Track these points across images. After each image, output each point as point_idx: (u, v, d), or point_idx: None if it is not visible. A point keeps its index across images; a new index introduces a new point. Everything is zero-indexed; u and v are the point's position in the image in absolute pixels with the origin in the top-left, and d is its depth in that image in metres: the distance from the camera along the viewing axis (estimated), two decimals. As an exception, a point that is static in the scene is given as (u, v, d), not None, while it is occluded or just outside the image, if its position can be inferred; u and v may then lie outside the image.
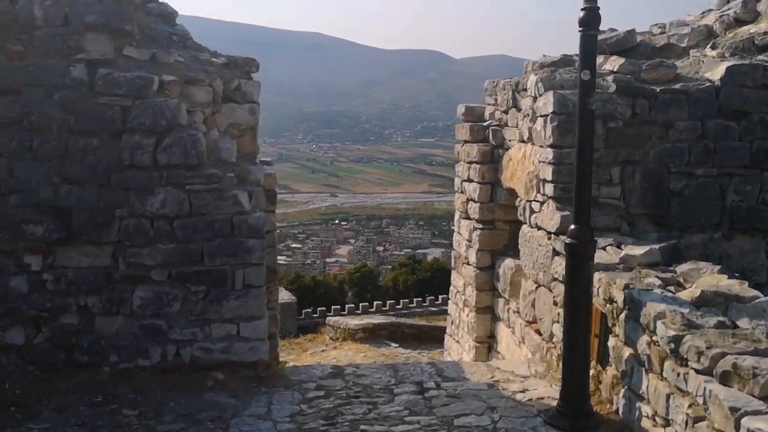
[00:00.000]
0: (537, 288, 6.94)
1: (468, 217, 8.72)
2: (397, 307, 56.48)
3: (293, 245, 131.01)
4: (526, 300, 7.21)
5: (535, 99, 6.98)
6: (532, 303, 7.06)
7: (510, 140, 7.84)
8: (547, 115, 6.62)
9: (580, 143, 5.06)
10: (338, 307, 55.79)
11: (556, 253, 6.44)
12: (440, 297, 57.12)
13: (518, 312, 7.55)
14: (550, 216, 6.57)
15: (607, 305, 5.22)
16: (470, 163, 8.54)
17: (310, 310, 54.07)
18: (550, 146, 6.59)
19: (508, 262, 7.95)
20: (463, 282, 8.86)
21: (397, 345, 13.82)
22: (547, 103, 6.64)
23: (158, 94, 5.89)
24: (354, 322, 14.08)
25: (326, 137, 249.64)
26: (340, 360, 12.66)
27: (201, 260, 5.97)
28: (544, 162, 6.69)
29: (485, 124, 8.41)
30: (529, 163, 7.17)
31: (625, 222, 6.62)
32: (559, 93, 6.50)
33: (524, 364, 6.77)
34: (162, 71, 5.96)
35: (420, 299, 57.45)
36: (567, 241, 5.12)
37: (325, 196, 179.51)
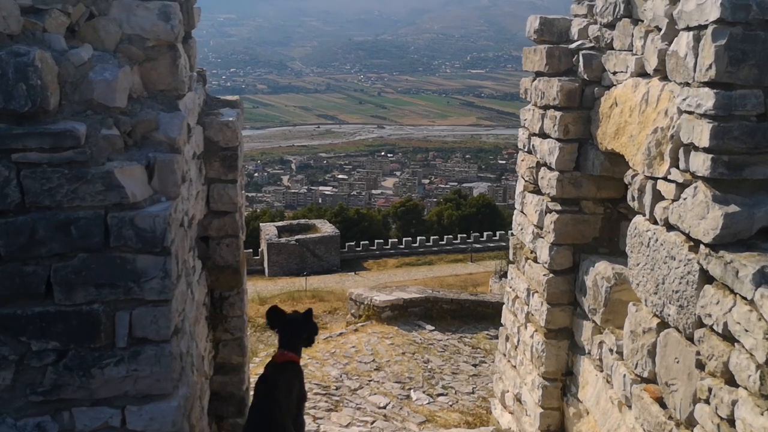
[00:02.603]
0: (662, 329, 3.93)
1: (538, 191, 5.64)
2: (440, 243, 54.48)
3: (339, 176, 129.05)
4: (639, 342, 4.21)
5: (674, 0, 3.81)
6: (651, 351, 4.06)
7: (616, 73, 4.69)
8: (705, 27, 3.47)
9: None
10: (381, 241, 54.22)
11: (709, 279, 3.42)
12: (485, 234, 55.14)
13: (620, 354, 4.57)
14: (701, 211, 3.50)
15: None
16: (545, 108, 5.41)
17: (353, 243, 52.42)
18: (709, 84, 3.45)
19: (603, 267, 4.91)
20: (526, 286, 5.85)
21: (432, 327, 10.96)
22: (704, 4, 3.46)
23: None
24: (381, 297, 11.23)
25: (374, 67, 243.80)
26: (361, 349, 9.87)
27: (48, 294, 3.11)
28: (692, 113, 3.57)
29: (573, 46, 5.22)
30: (655, 113, 4.04)
31: None
32: (736, -16, 3.32)
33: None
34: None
35: (464, 236, 55.16)
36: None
37: (372, 128, 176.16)
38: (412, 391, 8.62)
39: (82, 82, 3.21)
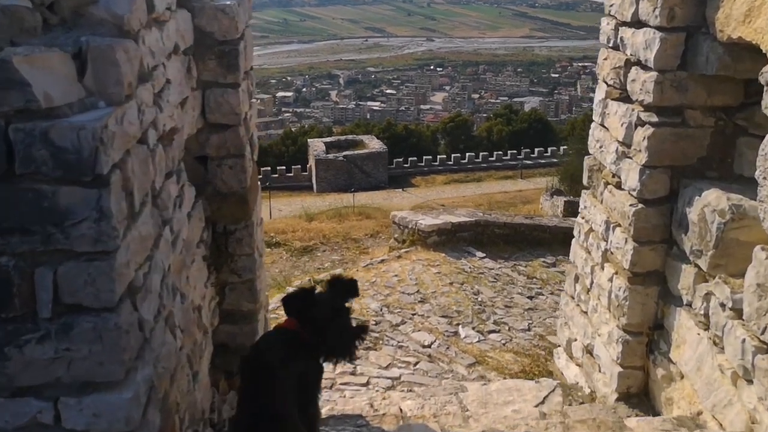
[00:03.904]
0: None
1: (626, 98, 4.37)
2: (489, 159, 52.98)
3: (387, 91, 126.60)
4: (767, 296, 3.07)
5: None
6: (791, 315, 2.91)
7: (753, -72, 3.33)
8: None
9: None
10: (429, 157, 53.06)
11: None
12: (536, 150, 53.38)
13: (736, 311, 3.43)
14: None
15: None
16: (641, -14, 4.07)
17: (401, 159, 51.40)
18: None
19: (714, 197, 3.70)
20: (605, 218, 4.66)
21: (483, 254, 9.87)
22: None
23: None
24: (426, 221, 10.14)
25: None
26: (404, 278, 8.91)
27: (-69, 243, 2.12)
28: None
29: None
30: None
31: None
32: None
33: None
34: None
35: (514, 152, 53.46)
36: None
37: (421, 41, 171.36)
38: (460, 326, 7.66)
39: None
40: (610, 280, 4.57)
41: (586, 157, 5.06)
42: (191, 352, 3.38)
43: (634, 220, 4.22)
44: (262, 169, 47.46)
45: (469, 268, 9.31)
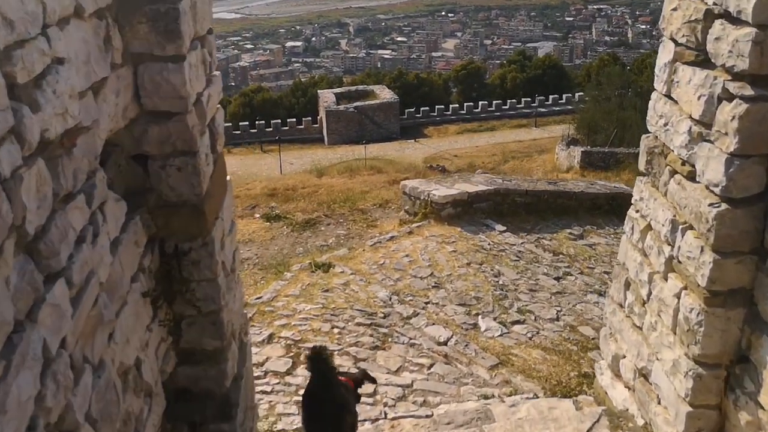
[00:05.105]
0: None
1: (705, 62, 3.26)
2: (503, 107, 51.47)
3: (398, 39, 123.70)
4: None
5: None
6: None
7: None
8: None
9: None
10: (442, 107, 51.70)
11: None
12: (550, 97, 51.82)
13: None
14: None
15: None
16: None
17: (413, 109, 50.07)
18: None
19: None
20: (670, 216, 3.61)
21: (503, 228, 8.84)
22: None
23: None
24: (440, 192, 9.06)
25: None
26: (416, 259, 7.93)
27: None
28: None
29: None
30: None
31: None
32: None
33: None
34: None
35: (528, 99, 51.85)
36: None
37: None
38: (479, 317, 6.70)
39: None
40: (677, 296, 3.55)
41: (643, 136, 3.97)
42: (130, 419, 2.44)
43: (715, 224, 3.18)
44: (272, 121, 46.46)
45: (488, 244, 8.29)
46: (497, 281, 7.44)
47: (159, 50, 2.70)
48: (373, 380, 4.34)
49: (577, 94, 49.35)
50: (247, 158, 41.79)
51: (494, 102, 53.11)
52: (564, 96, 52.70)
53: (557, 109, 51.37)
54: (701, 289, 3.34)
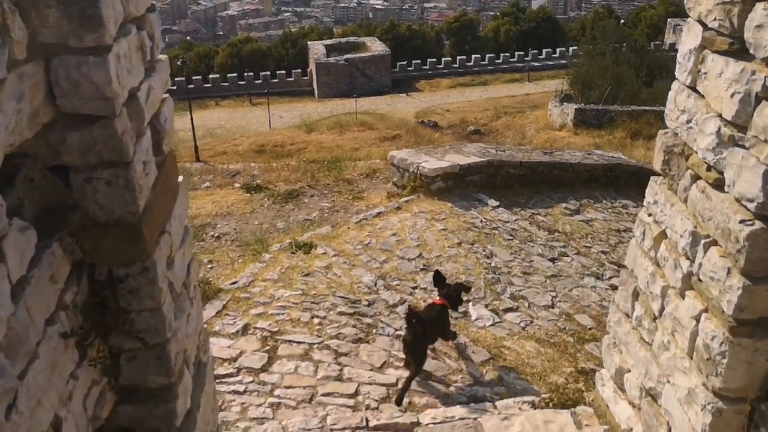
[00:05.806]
0: None
1: (741, 52, 2.71)
2: (496, 61, 50.53)
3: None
4: None
5: None
6: None
7: None
8: None
9: None
10: (434, 60, 50.74)
11: None
12: (544, 51, 50.87)
13: None
14: None
15: None
16: None
17: (404, 62, 49.07)
18: None
19: None
20: (691, 227, 3.11)
21: (496, 203, 8.33)
22: None
23: None
24: (430, 164, 8.50)
25: None
26: (403, 238, 7.45)
27: None
28: None
29: None
30: None
31: None
32: None
33: None
34: None
35: (522, 53, 50.87)
36: None
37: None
38: (470, 304, 6.26)
39: None
40: (696, 318, 3.09)
41: (661, 131, 3.44)
42: None
43: (747, 245, 2.69)
44: (261, 73, 45.38)
45: (481, 222, 7.79)
46: (489, 263, 6.97)
47: (75, 41, 2.13)
48: (467, 289, 5.53)
49: (571, 49, 48.48)
50: (235, 111, 40.87)
51: (487, 56, 52.30)
52: (558, 50, 51.97)
53: (551, 63, 50.55)
54: (726, 315, 2.87)
